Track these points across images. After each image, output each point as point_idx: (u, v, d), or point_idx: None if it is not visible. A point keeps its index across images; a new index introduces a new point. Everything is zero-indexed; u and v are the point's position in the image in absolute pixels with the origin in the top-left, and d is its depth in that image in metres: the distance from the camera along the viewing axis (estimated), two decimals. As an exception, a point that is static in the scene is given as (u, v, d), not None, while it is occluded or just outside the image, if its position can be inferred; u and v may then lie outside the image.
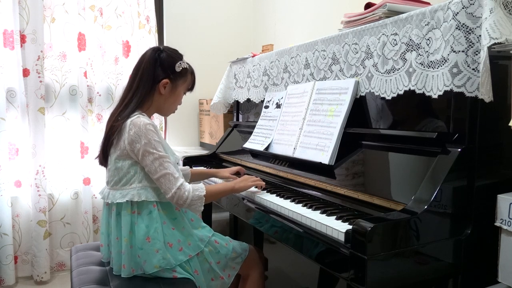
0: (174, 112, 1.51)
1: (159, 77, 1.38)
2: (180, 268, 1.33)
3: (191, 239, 1.37)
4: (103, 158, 1.38)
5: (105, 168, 1.41)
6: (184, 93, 1.49)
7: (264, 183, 1.51)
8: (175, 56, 1.43)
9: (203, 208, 1.34)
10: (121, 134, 1.30)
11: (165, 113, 1.51)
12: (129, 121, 1.30)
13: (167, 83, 1.39)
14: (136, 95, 1.37)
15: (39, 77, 2.42)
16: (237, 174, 1.75)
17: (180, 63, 1.41)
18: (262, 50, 2.38)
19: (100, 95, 2.66)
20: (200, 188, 1.33)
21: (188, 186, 1.31)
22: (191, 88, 1.50)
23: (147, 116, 1.37)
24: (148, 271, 1.29)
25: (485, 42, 0.94)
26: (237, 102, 2.38)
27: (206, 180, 1.89)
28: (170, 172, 1.29)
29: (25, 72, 2.40)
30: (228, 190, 1.46)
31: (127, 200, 1.29)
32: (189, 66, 1.46)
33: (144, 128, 1.28)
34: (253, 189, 1.51)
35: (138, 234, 1.29)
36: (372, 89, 1.34)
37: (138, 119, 1.30)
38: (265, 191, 1.52)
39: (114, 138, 1.32)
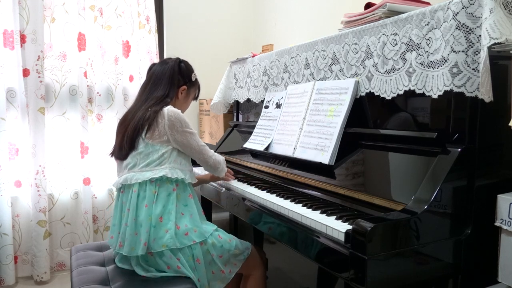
0: None
1: (179, 82, 1.59)
2: (183, 255, 1.35)
3: (197, 227, 1.41)
4: (129, 146, 1.44)
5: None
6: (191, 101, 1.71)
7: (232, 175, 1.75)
8: (191, 68, 1.66)
9: (226, 169, 1.64)
10: (158, 121, 1.43)
11: None
12: (165, 109, 1.45)
13: (185, 89, 1.60)
14: (168, 94, 1.53)
15: (39, 77, 2.42)
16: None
17: (194, 74, 1.65)
18: (262, 50, 2.38)
19: (100, 95, 2.66)
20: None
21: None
22: (197, 97, 1.72)
23: None
24: (156, 249, 1.34)
25: (485, 42, 0.94)
26: (237, 102, 2.38)
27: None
28: (205, 145, 1.54)
29: (25, 72, 2.40)
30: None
31: (150, 180, 1.39)
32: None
33: (181, 115, 1.47)
34: (235, 183, 1.71)
35: (154, 213, 1.37)
36: (372, 89, 1.34)
37: (174, 108, 1.47)
38: (265, 191, 1.52)
39: (151, 124, 1.42)
